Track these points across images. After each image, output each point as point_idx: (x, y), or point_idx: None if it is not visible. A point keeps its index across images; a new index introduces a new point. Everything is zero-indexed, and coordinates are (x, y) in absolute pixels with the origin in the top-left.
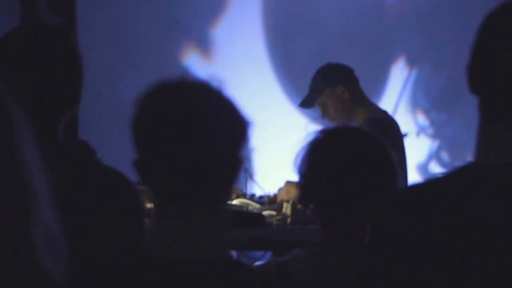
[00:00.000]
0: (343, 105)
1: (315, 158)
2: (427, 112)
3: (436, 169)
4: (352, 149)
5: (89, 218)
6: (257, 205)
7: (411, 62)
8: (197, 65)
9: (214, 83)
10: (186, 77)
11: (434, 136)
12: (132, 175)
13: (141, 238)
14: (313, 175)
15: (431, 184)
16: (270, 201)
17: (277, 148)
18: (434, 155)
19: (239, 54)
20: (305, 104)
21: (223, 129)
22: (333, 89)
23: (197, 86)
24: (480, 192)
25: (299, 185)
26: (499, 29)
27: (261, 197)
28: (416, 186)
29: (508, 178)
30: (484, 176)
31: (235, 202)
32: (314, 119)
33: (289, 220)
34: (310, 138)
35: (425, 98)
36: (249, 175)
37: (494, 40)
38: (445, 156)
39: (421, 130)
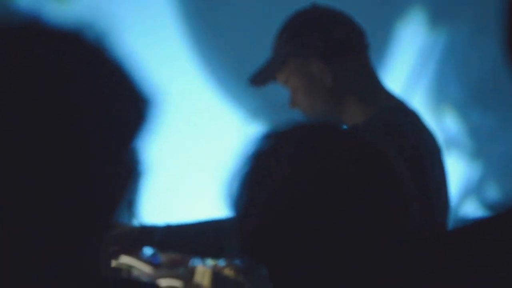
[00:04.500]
0: (321, 92)
1: (266, 182)
2: (462, 110)
3: (477, 209)
4: (327, 163)
5: None
6: (147, 268)
7: (435, 20)
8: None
9: (90, 33)
10: (39, 21)
11: (475, 154)
12: None
13: None
14: (265, 211)
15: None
16: (173, 262)
17: (185, 165)
18: (475, 187)
19: None
20: (257, 80)
21: (104, 109)
22: (302, 62)
23: (61, 37)
24: None
25: (239, 230)
26: None
27: (155, 254)
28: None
29: None
30: None
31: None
32: (255, 114)
33: None
34: (251, 148)
35: (459, 85)
36: (134, 212)
37: None
38: (492, 189)
39: (450, 142)
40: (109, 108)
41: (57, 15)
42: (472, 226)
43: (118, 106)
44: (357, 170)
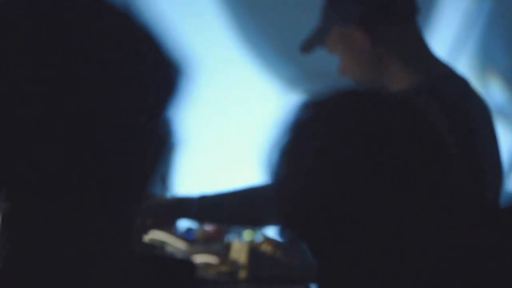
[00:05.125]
0: (364, 59)
1: (307, 151)
2: (509, 78)
3: None
4: (369, 130)
5: None
6: (181, 244)
7: None
8: None
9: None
10: None
11: None
12: None
13: None
14: (305, 180)
15: None
16: (208, 237)
17: (220, 136)
18: None
19: None
20: (304, 50)
21: (133, 76)
22: (343, 30)
23: (86, 1)
24: None
25: (278, 200)
26: None
27: (189, 229)
28: None
29: None
30: None
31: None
32: (294, 83)
33: (243, 274)
34: (291, 117)
35: (506, 52)
36: (168, 185)
37: None
38: None
39: (496, 111)
40: (138, 76)
41: None
42: None
43: (147, 74)
44: (401, 137)
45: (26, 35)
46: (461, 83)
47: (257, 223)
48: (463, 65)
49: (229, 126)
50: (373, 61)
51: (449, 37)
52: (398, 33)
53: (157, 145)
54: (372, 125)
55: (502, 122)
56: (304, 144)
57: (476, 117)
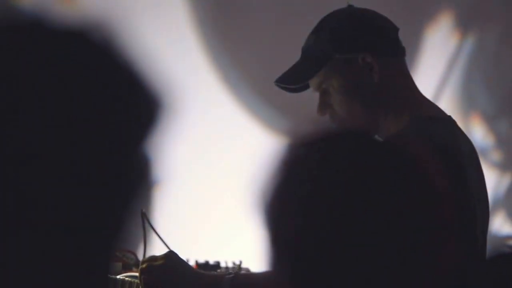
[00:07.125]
0: (365, 92)
1: (303, 192)
2: (491, 119)
3: (503, 223)
4: (360, 172)
5: None
6: None
7: (464, 25)
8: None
9: (97, 33)
10: (44, 21)
11: (503, 166)
12: None
13: None
14: (304, 221)
15: None
16: None
17: (205, 173)
18: (502, 200)
19: None
20: (290, 81)
21: (112, 112)
22: (350, 58)
23: (66, 37)
24: None
25: (271, 252)
26: None
27: None
28: None
29: None
30: None
31: (121, 277)
32: (277, 122)
33: None
34: (282, 156)
35: (488, 93)
36: (150, 224)
37: None
38: None
39: (479, 154)
40: (118, 112)
41: (63, 15)
42: None
43: (127, 110)
44: (391, 180)
45: (4, 69)
46: (449, 125)
47: None
48: (445, 105)
49: (216, 166)
50: (372, 95)
51: (432, 78)
52: (397, 69)
53: (135, 183)
54: (365, 167)
55: (483, 163)
56: (297, 185)
57: (464, 156)
